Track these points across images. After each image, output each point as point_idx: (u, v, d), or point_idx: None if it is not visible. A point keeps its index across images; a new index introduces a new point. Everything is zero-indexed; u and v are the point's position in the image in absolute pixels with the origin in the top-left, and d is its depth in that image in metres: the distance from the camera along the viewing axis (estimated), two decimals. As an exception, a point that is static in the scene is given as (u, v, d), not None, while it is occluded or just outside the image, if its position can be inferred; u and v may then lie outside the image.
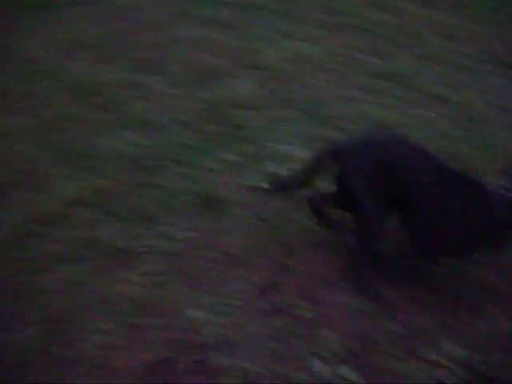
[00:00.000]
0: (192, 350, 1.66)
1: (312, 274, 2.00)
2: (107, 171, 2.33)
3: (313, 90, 3.12)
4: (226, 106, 2.90)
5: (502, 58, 3.75)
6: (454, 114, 3.11)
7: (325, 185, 2.19)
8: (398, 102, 3.14)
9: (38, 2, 3.70)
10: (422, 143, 2.14)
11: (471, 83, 3.45)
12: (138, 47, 3.28)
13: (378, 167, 2.07)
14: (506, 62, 3.69)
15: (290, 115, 2.92)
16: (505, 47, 3.92)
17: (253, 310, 1.83)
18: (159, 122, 2.74)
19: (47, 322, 1.70)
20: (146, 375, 1.58)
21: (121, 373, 1.57)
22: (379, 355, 1.76)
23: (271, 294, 1.90)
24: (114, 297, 1.80)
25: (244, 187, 2.35)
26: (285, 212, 2.28)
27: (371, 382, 1.67)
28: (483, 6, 4.46)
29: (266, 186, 2.23)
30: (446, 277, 2.14)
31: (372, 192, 2.11)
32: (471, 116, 3.15)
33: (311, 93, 3.10)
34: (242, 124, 2.79)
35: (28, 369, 1.56)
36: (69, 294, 1.82)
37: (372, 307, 1.94)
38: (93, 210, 2.13)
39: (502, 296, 2.09)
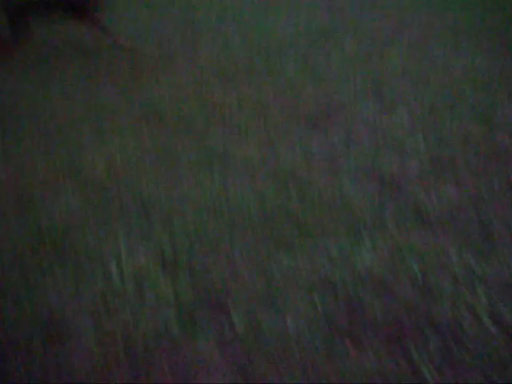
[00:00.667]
0: None
1: None
2: None
3: (140, 190, 2.95)
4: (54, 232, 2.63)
5: (309, 117, 3.82)
6: (275, 177, 2.98)
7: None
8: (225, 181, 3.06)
9: None
10: None
11: (286, 146, 3.38)
12: None
13: None
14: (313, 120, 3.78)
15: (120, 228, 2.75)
16: (313, 106, 3.99)
17: None
18: None
19: None
20: None
21: None
22: None
23: None
24: None
25: None
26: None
27: None
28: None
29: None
30: None
31: None
32: (295, 175, 3.04)
33: (138, 193, 2.95)
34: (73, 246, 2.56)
35: None
36: None
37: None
38: None
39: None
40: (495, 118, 4.10)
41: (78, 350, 1.93)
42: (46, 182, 2.96)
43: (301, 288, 2.26)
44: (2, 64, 4.70)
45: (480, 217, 2.98)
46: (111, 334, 1.99)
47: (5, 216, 2.72)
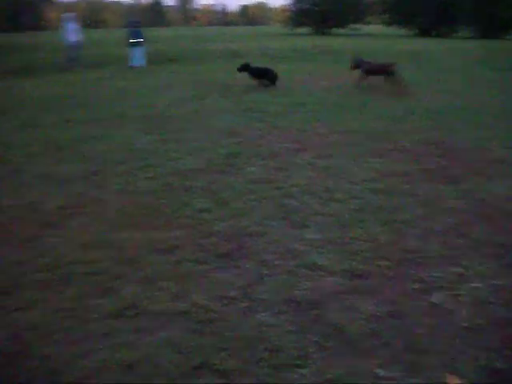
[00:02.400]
0: None
1: None
2: None
3: (47, 360, 2.74)
4: None
5: (220, 251, 3.91)
6: (190, 322, 2.97)
7: None
8: (134, 336, 2.94)
9: None
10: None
11: (198, 286, 3.47)
12: None
13: None
14: (225, 254, 3.86)
15: None
16: (222, 239, 4.14)
17: None
18: None
19: None
20: None
21: None
22: None
23: None
24: None
25: None
26: None
27: None
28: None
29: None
30: None
31: None
32: (210, 317, 3.03)
33: (46, 364, 2.73)
34: None
35: None
36: None
37: None
38: None
39: None
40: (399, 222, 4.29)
41: None
42: None
43: None
44: None
45: (402, 327, 2.98)
46: None
47: None
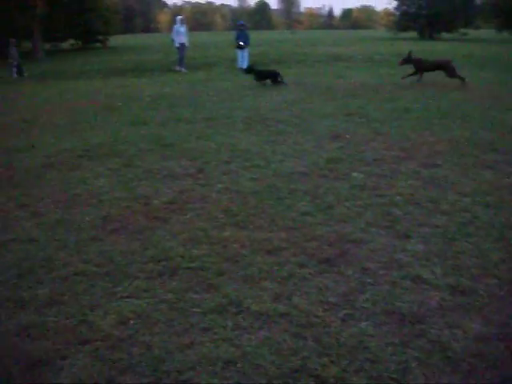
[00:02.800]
0: None
1: None
2: None
3: (151, 348, 2.86)
4: None
5: (323, 256, 3.81)
6: (290, 324, 2.93)
7: None
8: (237, 331, 2.97)
9: None
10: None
11: (300, 289, 3.39)
12: None
13: None
14: (327, 259, 3.76)
15: None
16: (325, 244, 3.98)
17: None
18: None
19: None
20: None
21: None
22: None
23: None
24: None
25: None
26: None
27: None
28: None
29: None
30: None
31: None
32: (311, 321, 2.96)
33: (150, 351, 2.84)
34: None
35: None
36: None
37: None
38: None
39: None
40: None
41: None
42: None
43: None
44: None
45: (510, 351, 2.82)
46: None
47: None
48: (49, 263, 3.81)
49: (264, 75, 13.44)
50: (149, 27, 75.42)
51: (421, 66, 12.75)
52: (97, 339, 2.96)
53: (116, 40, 29.86)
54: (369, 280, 3.45)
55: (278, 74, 13.32)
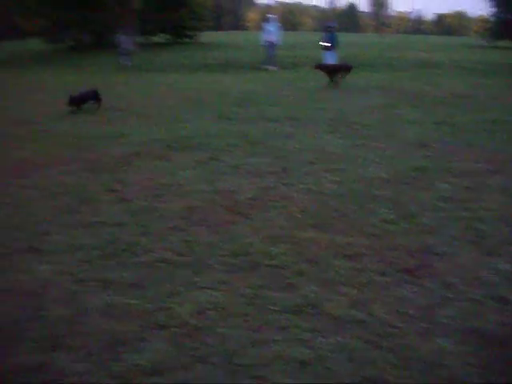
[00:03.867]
0: None
1: None
2: None
3: (226, 340, 2.93)
4: (138, 375, 2.68)
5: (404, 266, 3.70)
6: (366, 332, 2.95)
7: None
8: (312, 333, 2.94)
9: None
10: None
11: (378, 297, 3.31)
12: (41, 325, 3.12)
13: None
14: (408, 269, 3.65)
15: (205, 372, 2.69)
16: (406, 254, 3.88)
17: None
18: None
19: None
20: None
21: None
22: None
23: None
24: None
25: None
26: None
27: None
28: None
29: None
30: None
31: None
32: (387, 331, 2.96)
33: (224, 343, 2.90)
34: None
35: None
36: None
37: None
38: None
39: None
40: None
41: None
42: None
43: None
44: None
45: None
46: None
47: (97, 357, 2.79)
48: (133, 248, 3.97)
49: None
50: (238, 25, 76.50)
51: None
52: (174, 326, 3.05)
53: (206, 36, 30.50)
54: (450, 295, 3.34)
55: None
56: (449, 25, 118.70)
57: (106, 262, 3.77)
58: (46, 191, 5.29)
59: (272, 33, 18.22)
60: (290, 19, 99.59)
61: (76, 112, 9.62)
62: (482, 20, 46.65)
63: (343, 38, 19.91)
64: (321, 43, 17.66)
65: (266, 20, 18.62)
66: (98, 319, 3.15)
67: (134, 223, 4.40)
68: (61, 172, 5.89)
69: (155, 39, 29.44)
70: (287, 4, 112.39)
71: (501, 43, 37.45)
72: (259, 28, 19.62)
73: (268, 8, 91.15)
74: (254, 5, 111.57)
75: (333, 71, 13.37)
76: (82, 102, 9.78)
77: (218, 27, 64.49)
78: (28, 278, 3.62)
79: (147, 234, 4.18)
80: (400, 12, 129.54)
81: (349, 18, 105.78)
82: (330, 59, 17.38)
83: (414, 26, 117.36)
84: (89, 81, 13.54)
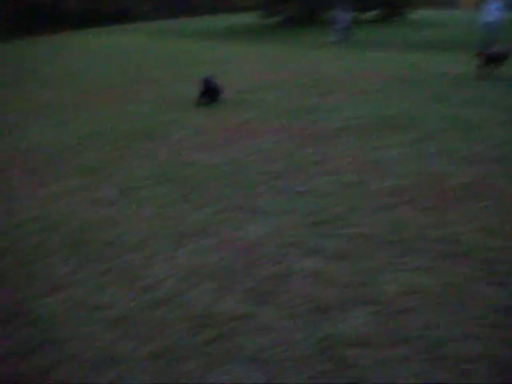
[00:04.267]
0: None
1: None
2: None
3: (431, 327, 2.82)
4: (339, 343, 2.74)
5: None
6: None
7: None
8: None
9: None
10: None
11: None
12: (253, 279, 3.38)
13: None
14: None
15: (407, 355, 2.64)
16: None
17: None
18: (269, 356, 2.70)
19: None
20: None
21: None
22: None
23: None
24: None
25: None
26: None
27: None
28: None
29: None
30: None
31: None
32: None
33: (429, 330, 2.80)
34: (355, 363, 2.61)
35: None
36: None
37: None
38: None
39: None
40: None
41: None
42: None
43: None
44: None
45: None
46: None
47: (299, 320, 2.91)
48: (340, 220, 4.04)
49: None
50: (452, 2, 71.97)
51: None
52: (379, 303, 3.05)
53: (416, 14, 29.28)
54: None
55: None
56: None
57: (313, 229, 3.90)
58: (257, 156, 5.66)
59: (492, 11, 16.72)
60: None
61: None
62: None
63: None
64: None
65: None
66: (303, 283, 3.29)
67: (341, 196, 4.46)
68: (274, 140, 6.21)
69: (364, 17, 29.08)
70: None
71: None
72: (477, 7, 18.12)
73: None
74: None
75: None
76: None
77: (429, 4, 61.31)
78: (241, 235, 3.92)
79: (354, 209, 4.21)
80: None
81: None
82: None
83: None
84: (295, 54, 13.86)
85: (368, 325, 2.86)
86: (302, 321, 2.94)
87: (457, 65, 12.90)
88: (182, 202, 4.63)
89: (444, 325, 2.84)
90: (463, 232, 3.80)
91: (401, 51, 17.04)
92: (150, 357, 2.74)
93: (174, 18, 36.34)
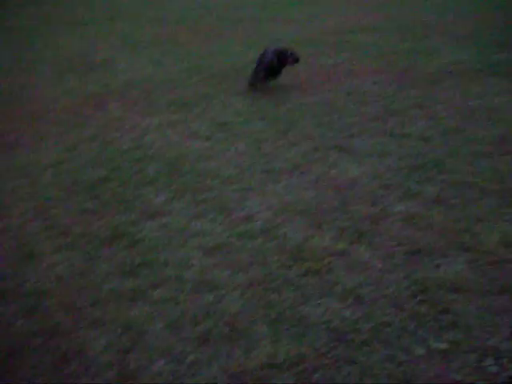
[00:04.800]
0: None
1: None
2: (307, 340, 2.44)
3: None
4: (434, 287, 2.68)
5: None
6: None
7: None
8: None
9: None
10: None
11: None
12: (347, 217, 3.35)
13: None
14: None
15: (507, 306, 2.53)
16: None
17: None
18: (363, 294, 2.69)
19: None
20: None
21: None
22: None
23: None
24: None
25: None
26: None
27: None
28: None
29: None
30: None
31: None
32: None
33: None
34: (450, 308, 2.54)
35: None
36: None
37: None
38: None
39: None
40: None
41: None
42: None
43: None
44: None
45: None
46: None
47: (395, 260, 2.86)
48: (439, 165, 3.90)
49: None
50: None
51: None
52: (478, 251, 2.95)
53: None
54: None
55: None
56: None
57: (411, 172, 3.80)
58: (354, 96, 5.53)
59: None
60: None
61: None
62: None
63: None
64: None
65: None
66: (399, 226, 3.24)
67: (441, 142, 4.29)
68: (371, 82, 6.01)
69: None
70: None
71: None
72: None
73: None
74: None
75: None
76: None
77: None
78: (336, 175, 3.90)
79: (454, 155, 4.04)
80: None
81: None
82: None
83: None
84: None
85: (465, 272, 2.79)
86: (396, 262, 2.91)
87: None
88: (276, 138, 4.64)
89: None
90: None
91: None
92: (245, 284, 2.84)
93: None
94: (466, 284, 2.71)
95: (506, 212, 3.32)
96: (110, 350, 2.54)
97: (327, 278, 2.83)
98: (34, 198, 4.19)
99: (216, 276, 2.94)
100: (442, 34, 8.86)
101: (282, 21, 9.33)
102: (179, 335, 2.58)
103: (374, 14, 11.13)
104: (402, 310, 2.57)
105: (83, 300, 2.92)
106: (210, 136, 4.86)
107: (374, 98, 5.43)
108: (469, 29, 9.10)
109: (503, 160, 3.98)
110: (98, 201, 3.98)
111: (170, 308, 2.76)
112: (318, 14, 11.06)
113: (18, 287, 3.12)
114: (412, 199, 3.49)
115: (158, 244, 3.37)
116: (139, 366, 2.42)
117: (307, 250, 3.06)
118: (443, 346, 2.35)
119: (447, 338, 2.39)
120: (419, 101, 5.25)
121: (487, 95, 5.41)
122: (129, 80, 7.09)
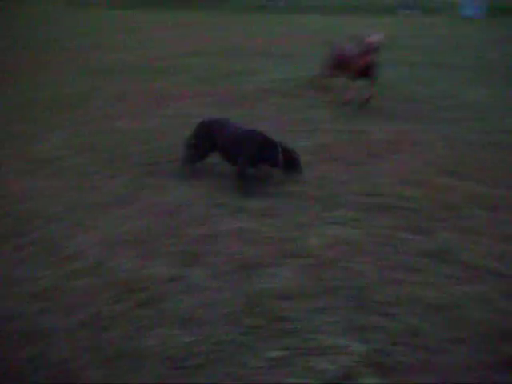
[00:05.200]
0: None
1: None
2: (147, 372, 2.38)
3: (355, 275, 2.97)
4: (268, 298, 2.82)
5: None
6: (507, 287, 2.81)
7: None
8: (447, 279, 2.89)
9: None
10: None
11: None
12: (179, 241, 3.41)
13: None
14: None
15: (334, 303, 2.75)
16: None
17: None
18: (200, 316, 2.72)
19: None
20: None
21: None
22: None
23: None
24: None
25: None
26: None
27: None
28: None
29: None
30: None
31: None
32: None
33: (354, 278, 2.95)
34: (284, 316, 2.68)
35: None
36: None
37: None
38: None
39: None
40: None
41: None
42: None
43: None
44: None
45: None
46: None
47: (229, 278, 2.88)
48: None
49: None
50: None
51: None
52: (304, 256, 3.13)
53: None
54: None
55: None
56: None
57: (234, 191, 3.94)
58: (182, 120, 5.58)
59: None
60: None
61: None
62: None
63: None
64: None
65: None
66: (229, 242, 3.31)
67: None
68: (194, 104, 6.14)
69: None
70: None
71: None
72: None
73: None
74: None
75: None
76: None
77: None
78: (165, 201, 3.88)
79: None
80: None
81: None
82: None
83: None
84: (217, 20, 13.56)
85: (294, 278, 2.93)
86: (231, 278, 2.97)
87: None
88: (100, 170, 4.48)
89: (370, 273, 2.95)
90: (384, 184, 3.99)
91: (332, 14, 17.02)
92: (75, 328, 2.66)
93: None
94: (296, 289, 2.84)
95: (328, 216, 3.57)
96: None
97: (162, 307, 2.76)
98: None
99: (44, 322, 2.73)
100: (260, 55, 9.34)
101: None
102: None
103: (202, 38, 11.43)
104: (240, 325, 2.60)
105: None
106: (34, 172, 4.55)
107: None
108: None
109: (324, 168, 4.29)
110: None
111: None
112: (143, 41, 11.06)
113: None
114: (241, 214, 3.61)
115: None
116: None
117: (139, 281, 2.96)
118: (278, 353, 2.41)
119: (284, 346, 2.46)
120: (245, 117, 5.41)
121: (305, 109, 5.83)
122: None
